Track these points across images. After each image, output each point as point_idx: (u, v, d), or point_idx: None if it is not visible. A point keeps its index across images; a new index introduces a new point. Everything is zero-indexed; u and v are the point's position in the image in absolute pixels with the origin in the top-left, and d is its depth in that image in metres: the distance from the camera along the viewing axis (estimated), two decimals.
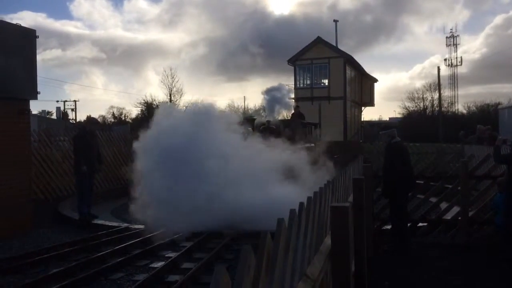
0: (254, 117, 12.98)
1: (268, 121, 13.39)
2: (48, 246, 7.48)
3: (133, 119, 49.38)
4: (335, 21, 35.10)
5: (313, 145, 14.22)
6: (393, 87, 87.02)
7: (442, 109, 40.94)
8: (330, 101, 31.73)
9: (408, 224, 7.46)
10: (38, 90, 9.46)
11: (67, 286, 5.60)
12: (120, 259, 6.74)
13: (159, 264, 6.46)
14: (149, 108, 44.84)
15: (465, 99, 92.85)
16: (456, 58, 54.12)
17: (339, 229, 2.80)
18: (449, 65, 53.54)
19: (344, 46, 35.06)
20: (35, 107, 78.08)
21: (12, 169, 8.81)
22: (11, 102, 8.86)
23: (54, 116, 47.09)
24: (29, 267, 6.58)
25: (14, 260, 6.81)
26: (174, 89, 45.76)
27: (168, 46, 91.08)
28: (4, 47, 8.54)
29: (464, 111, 48.61)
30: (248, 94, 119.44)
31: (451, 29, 58.36)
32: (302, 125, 14.97)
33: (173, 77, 45.86)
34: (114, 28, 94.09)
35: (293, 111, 17.99)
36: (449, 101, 49.64)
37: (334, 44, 33.44)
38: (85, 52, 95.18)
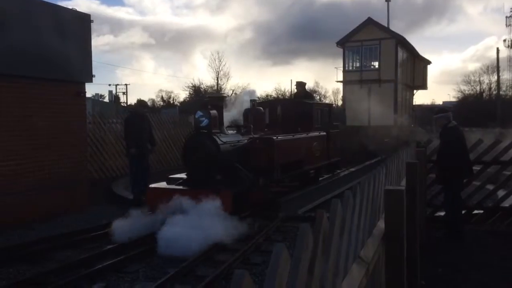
0: (225, 95, 11.39)
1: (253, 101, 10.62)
2: (103, 223, 7.79)
3: (181, 103, 50.28)
4: (387, 0, 33.93)
5: (324, 133, 11.62)
6: (446, 70, 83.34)
7: (501, 92, 38.91)
8: (381, 84, 30.82)
9: (463, 211, 7.19)
10: (93, 74, 9.81)
11: (121, 262, 5.84)
12: None
13: None
14: (197, 92, 45.48)
15: None
16: None
17: (393, 212, 2.71)
18: (509, 46, 50.51)
19: (394, 28, 33.61)
20: (89, 90, 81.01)
21: (70, 148, 9.22)
22: (69, 84, 9.24)
23: (106, 99, 48.74)
24: (85, 242, 6.90)
25: (72, 236, 7.16)
26: (221, 72, 46.19)
27: (216, 30, 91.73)
28: (62, 32, 8.86)
29: None
30: (295, 78, 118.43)
31: (511, 8, 54.78)
32: (306, 105, 11.55)
33: (220, 61, 46.27)
34: (164, 13, 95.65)
35: (296, 91, 14.21)
36: (508, 84, 46.98)
37: (386, 25, 32.36)
38: (136, 37, 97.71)
